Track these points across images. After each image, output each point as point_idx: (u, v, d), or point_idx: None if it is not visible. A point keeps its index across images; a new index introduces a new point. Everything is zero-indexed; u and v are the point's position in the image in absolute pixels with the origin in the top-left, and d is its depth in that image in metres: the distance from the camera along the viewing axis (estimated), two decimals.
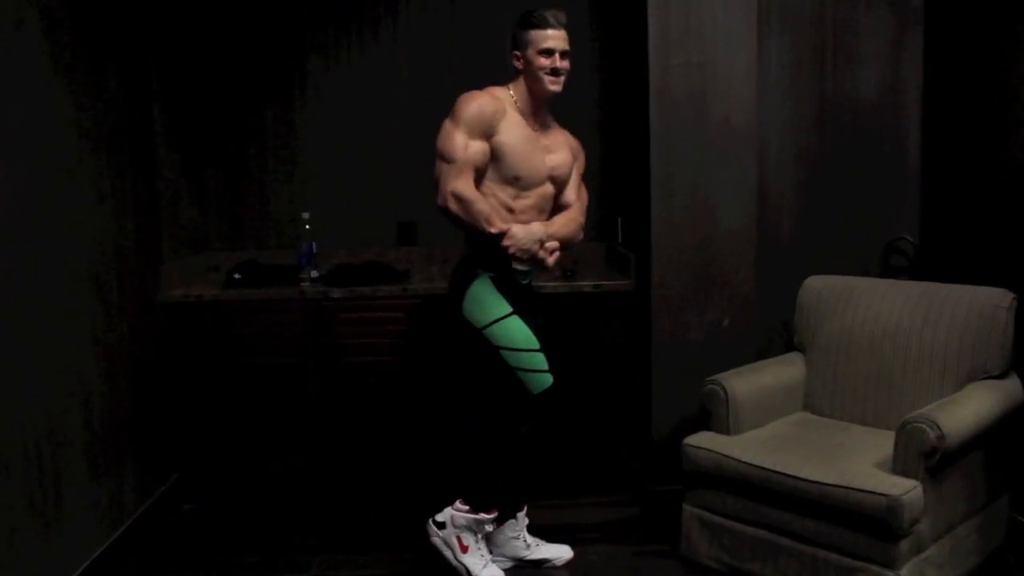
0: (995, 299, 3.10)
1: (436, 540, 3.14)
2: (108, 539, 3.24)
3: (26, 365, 2.74)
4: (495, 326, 3.03)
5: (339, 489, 3.90)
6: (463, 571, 3.11)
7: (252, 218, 4.35)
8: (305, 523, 3.68)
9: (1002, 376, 3.07)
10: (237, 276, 3.91)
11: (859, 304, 3.38)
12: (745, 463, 2.97)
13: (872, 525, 2.68)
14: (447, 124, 3.03)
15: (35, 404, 2.78)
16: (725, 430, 3.20)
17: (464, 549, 3.12)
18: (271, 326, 3.84)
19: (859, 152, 3.90)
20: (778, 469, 2.88)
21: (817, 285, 3.53)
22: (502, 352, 3.03)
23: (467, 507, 3.12)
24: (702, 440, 3.16)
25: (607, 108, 4.31)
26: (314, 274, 3.93)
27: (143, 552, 3.42)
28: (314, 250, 3.94)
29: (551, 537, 3.33)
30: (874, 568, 2.71)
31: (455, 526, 3.12)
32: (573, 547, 3.34)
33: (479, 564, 3.12)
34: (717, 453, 3.06)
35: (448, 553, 3.12)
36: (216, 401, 3.87)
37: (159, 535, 3.58)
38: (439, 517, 3.15)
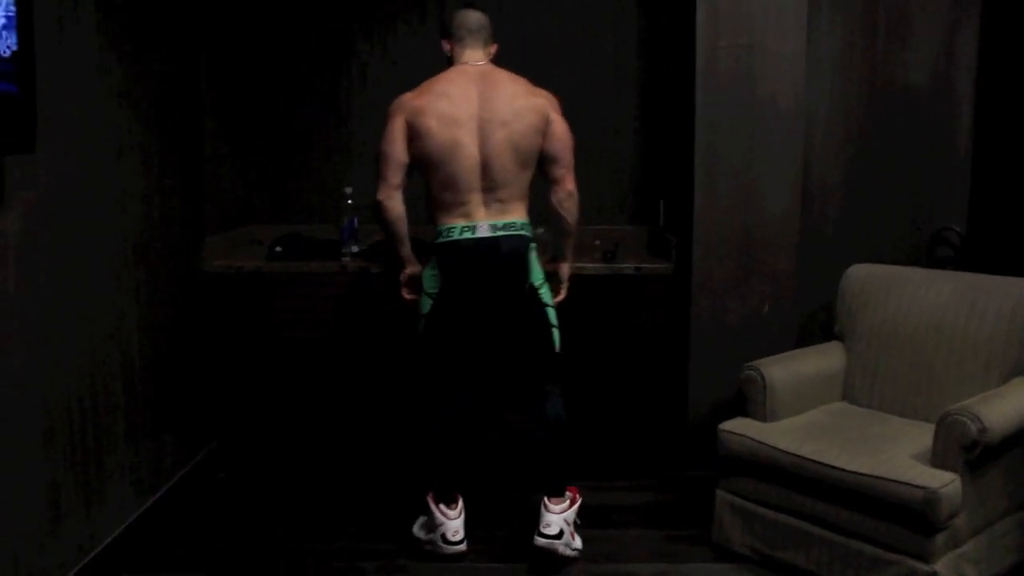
0: None
1: (562, 549, 3.03)
2: (146, 502, 3.31)
3: (72, 331, 2.79)
4: (546, 284, 3.17)
5: (377, 465, 3.93)
6: (576, 555, 3.11)
7: (295, 192, 4.38)
8: (339, 497, 3.71)
9: None
10: (278, 249, 3.94)
11: (903, 294, 3.33)
12: (780, 450, 2.94)
13: (908, 517, 2.64)
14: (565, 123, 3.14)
15: (79, 369, 2.83)
16: (761, 417, 3.17)
17: (574, 537, 3.11)
18: (311, 299, 3.87)
19: (908, 138, 3.84)
20: (814, 457, 2.85)
21: (860, 273, 3.48)
22: (547, 309, 3.14)
23: (568, 499, 3.10)
24: (738, 426, 3.14)
25: (651, 88, 4.27)
26: (355, 249, 3.95)
27: (179, 517, 3.47)
28: (356, 225, 3.95)
29: (585, 519, 3.32)
30: (909, 561, 2.67)
31: (569, 524, 3.08)
32: (606, 529, 3.33)
33: (578, 538, 3.15)
34: (753, 440, 3.04)
35: (569, 552, 3.07)
36: (254, 372, 3.91)
37: (195, 501, 3.64)
38: (551, 530, 3.01)
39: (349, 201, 3.96)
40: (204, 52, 3.84)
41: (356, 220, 3.95)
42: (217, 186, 4.00)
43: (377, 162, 3.10)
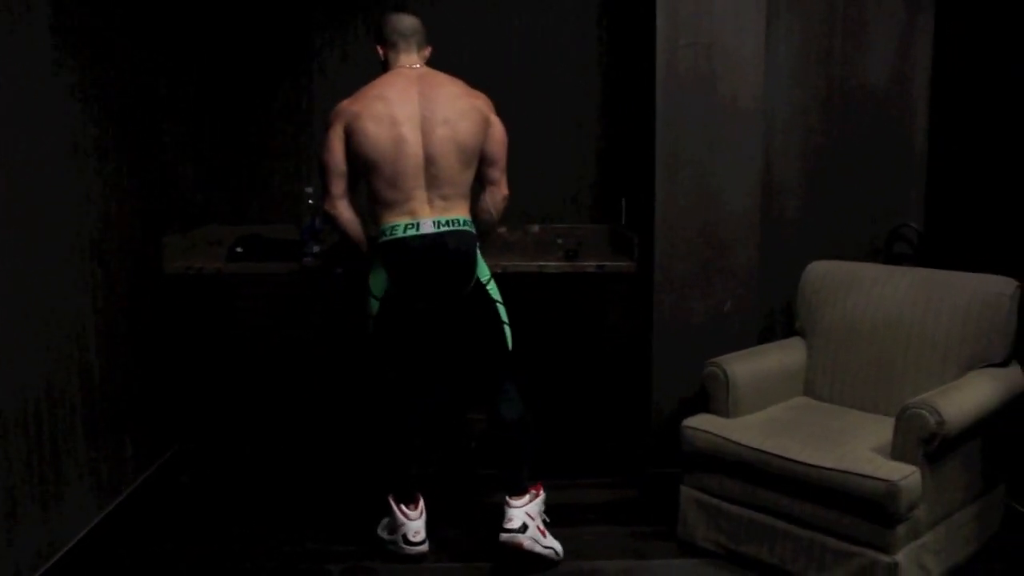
0: (998, 287, 3.09)
1: (528, 543, 2.98)
2: (107, 507, 3.26)
3: (27, 333, 2.74)
4: (492, 281, 3.16)
5: (342, 466, 3.91)
6: (552, 554, 3.06)
7: (255, 192, 4.33)
8: (304, 499, 3.68)
9: (1003, 364, 3.07)
10: (239, 250, 3.90)
11: (861, 290, 3.37)
12: (743, 446, 2.97)
13: (869, 510, 2.68)
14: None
15: (35, 372, 2.79)
16: (724, 413, 3.20)
17: (544, 534, 3.08)
18: (272, 300, 3.84)
19: (865, 137, 3.89)
20: (776, 452, 2.88)
21: (820, 270, 3.52)
22: (497, 306, 3.13)
23: (530, 494, 3.09)
24: (701, 422, 3.15)
25: (612, 88, 4.28)
26: (316, 249, 3.92)
27: (141, 522, 3.42)
28: (317, 225, 3.92)
29: (551, 517, 3.32)
30: (870, 553, 2.71)
31: (533, 517, 3.05)
32: (571, 527, 3.33)
33: (555, 540, 3.11)
34: (716, 435, 3.06)
35: (538, 548, 3.03)
36: (216, 374, 3.87)
37: (157, 506, 3.59)
38: (514, 524, 3.00)
39: (310, 201, 3.93)
40: (162, 52, 3.79)
41: (317, 220, 3.92)
42: (176, 186, 3.96)
43: (320, 174, 3.10)
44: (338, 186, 3.05)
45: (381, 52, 3.16)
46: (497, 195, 3.16)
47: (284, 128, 4.30)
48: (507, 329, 3.15)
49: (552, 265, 3.84)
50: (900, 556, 2.68)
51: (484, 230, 3.22)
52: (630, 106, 4.04)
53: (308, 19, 4.23)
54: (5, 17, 2.60)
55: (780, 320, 3.86)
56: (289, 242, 4.01)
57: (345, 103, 3.05)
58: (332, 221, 3.11)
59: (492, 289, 3.15)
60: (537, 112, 4.16)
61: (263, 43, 4.23)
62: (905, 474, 2.65)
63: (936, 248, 3.80)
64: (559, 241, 4.16)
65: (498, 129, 3.11)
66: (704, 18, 3.49)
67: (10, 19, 2.63)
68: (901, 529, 2.67)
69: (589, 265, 3.87)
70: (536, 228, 4.28)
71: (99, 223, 3.21)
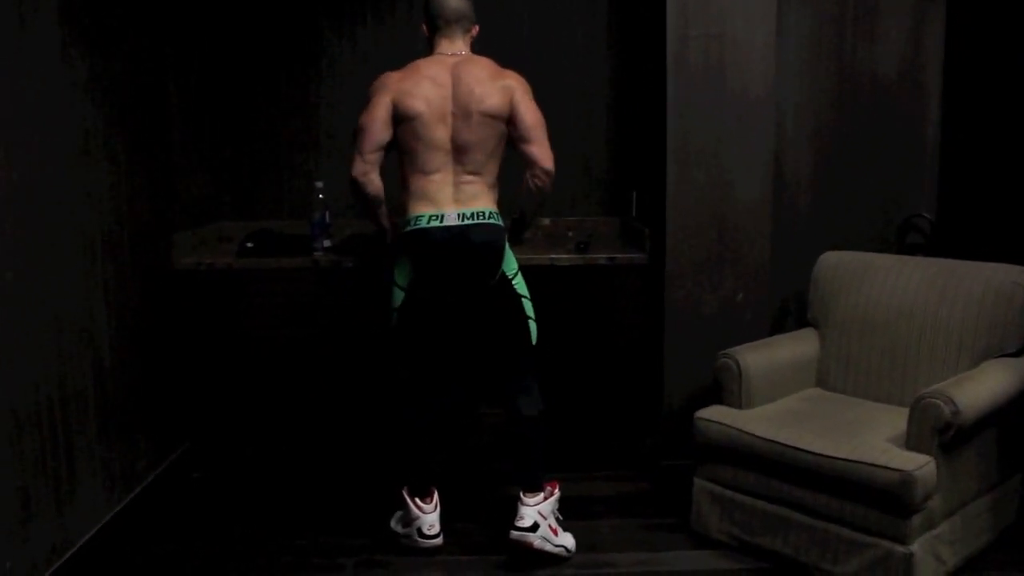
0: (1012, 276, 3.08)
1: (538, 543, 2.98)
2: (120, 503, 3.26)
3: (39, 331, 2.74)
4: (519, 275, 3.15)
5: (353, 460, 3.91)
6: (563, 552, 3.06)
7: (265, 187, 4.33)
8: (317, 494, 3.69)
9: (1018, 354, 3.05)
10: (249, 245, 3.90)
11: (874, 281, 3.36)
12: (757, 437, 2.96)
13: (884, 500, 2.67)
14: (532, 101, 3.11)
15: (48, 369, 2.79)
16: (737, 404, 3.19)
17: (556, 532, 3.07)
18: (283, 295, 3.84)
19: (877, 127, 3.87)
20: (790, 443, 2.87)
21: (833, 261, 3.51)
22: (523, 300, 3.12)
23: (543, 493, 3.08)
24: (714, 414, 3.15)
25: (622, 80, 4.27)
26: (327, 243, 3.91)
27: (154, 517, 3.44)
28: (327, 220, 3.92)
29: (564, 510, 3.32)
30: (885, 543, 2.70)
31: (545, 516, 3.04)
32: (584, 520, 3.33)
33: (568, 536, 3.12)
34: (729, 427, 3.06)
35: (548, 547, 3.02)
36: (227, 370, 3.87)
37: (170, 502, 3.59)
38: (525, 523, 2.98)
39: (320, 196, 3.93)
40: (170, 46, 3.78)
41: (327, 215, 3.92)
42: (185, 182, 3.95)
43: (355, 137, 3.04)
44: (373, 152, 3.01)
45: (425, 30, 3.12)
46: (536, 169, 3.07)
47: (293, 123, 4.29)
48: (532, 324, 3.14)
49: (563, 258, 3.82)
50: (915, 546, 2.67)
51: (532, 208, 3.21)
52: (640, 98, 4.03)
53: (317, 13, 4.22)
54: (14, 12, 2.60)
55: (792, 311, 3.85)
56: (299, 237, 4.00)
57: (396, 76, 3.02)
58: (358, 188, 3.04)
59: (518, 283, 3.13)
60: (547, 105, 4.09)
61: (272, 37, 4.23)
62: (920, 464, 2.64)
63: (949, 238, 3.78)
64: (570, 234, 4.15)
65: (524, 106, 3.06)
66: (714, 9, 3.47)
67: (19, 14, 2.63)
68: (916, 519, 2.66)
69: (600, 257, 3.85)
70: (547, 221, 4.27)
71: (110, 220, 3.21)
